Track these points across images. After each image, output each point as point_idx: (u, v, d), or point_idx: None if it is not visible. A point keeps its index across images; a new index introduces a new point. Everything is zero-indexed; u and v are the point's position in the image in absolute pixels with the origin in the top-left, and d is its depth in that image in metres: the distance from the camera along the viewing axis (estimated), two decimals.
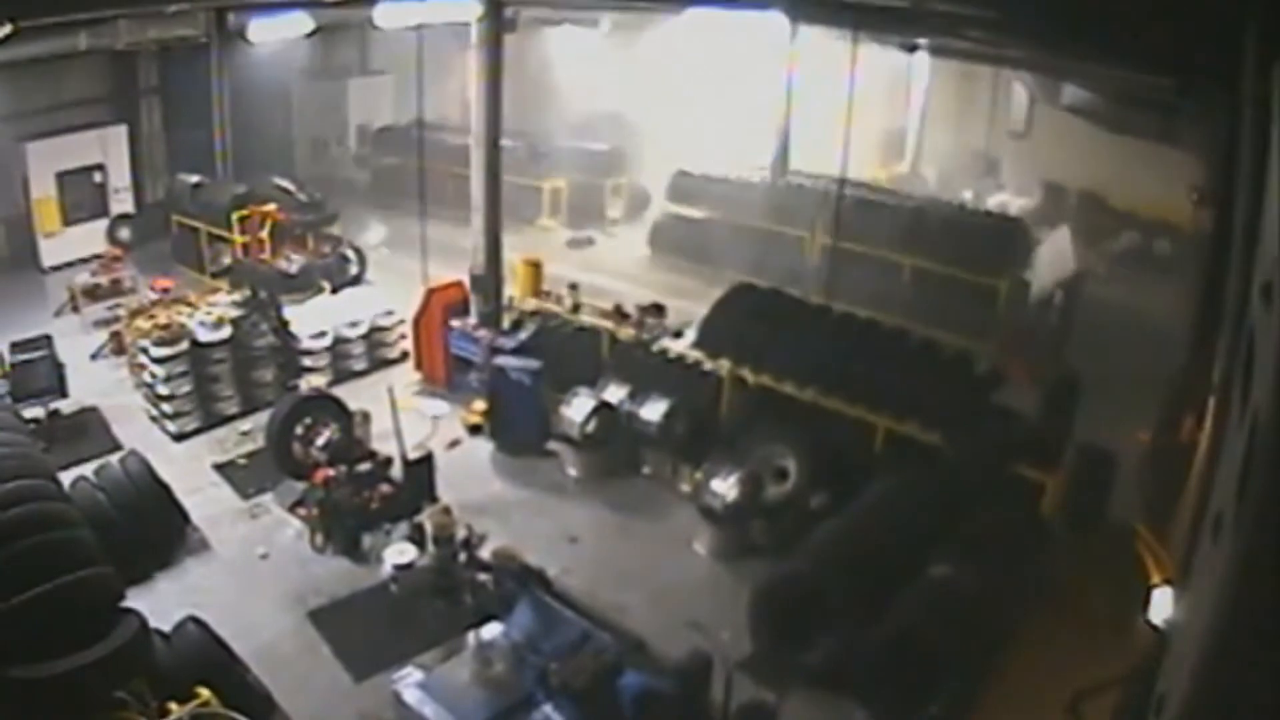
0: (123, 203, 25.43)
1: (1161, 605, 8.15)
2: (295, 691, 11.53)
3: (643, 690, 10.91)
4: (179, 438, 17.39)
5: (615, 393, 16.64)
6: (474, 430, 17.58)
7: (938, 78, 27.56)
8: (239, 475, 16.38)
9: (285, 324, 17.71)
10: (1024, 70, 22.87)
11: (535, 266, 19.46)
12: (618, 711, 10.79)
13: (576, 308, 18.73)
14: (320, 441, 15.68)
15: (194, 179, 24.40)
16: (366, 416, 16.12)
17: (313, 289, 21.36)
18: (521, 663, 11.21)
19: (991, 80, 26.96)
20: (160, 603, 12.09)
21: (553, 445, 16.85)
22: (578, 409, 16.28)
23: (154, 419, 17.70)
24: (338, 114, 31.46)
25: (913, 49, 22.80)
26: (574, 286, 19.01)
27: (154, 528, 14.04)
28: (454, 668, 11.40)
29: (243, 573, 14.11)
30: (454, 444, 17.16)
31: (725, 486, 14.43)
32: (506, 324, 18.64)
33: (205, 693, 9.93)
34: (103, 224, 24.99)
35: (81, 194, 24.65)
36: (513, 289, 19.38)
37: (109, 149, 24.94)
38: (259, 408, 17.65)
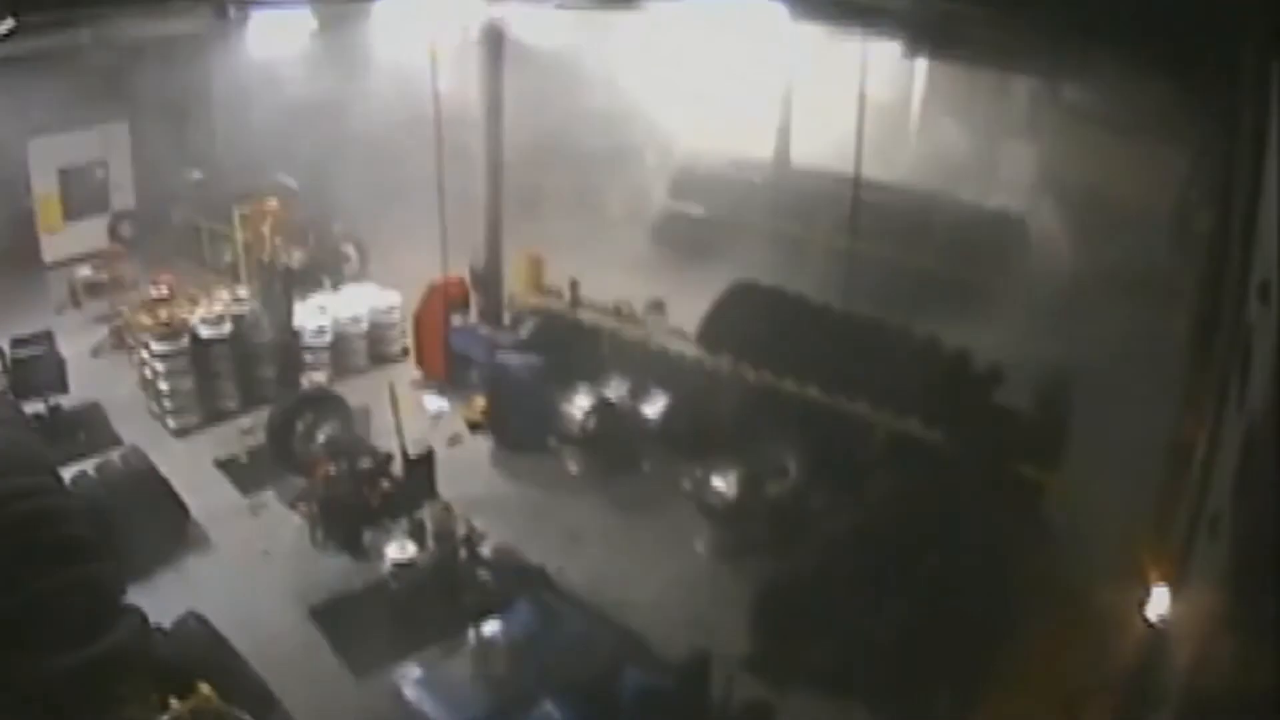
0: (124, 199, 25.41)
1: (1158, 604, 8.16)
2: (295, 687, 11.54)
3: (643, 688, 10.93)
4: (180, 434, 17.42)
5: (616, 389, 16.64)
6: (475, 427, 17.58)
7: (939, 75, 27.45)
8: (240, 471, 16.40)
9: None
10: (1023, 69, 22.78)
11: (536, 263, 19.45)
12: (618, 709, 10.80)
13: (577, 304, 18.72)
14: (321, 438, 15.70)
15: (196, 174, 24.38)
16: (367, 413, 16.13)
17: (314, 285, 21.36)
18: (521, 660, 11.22)
19: (992, 78, 26.83)
20: (161, 599, 12.12)
21: (553, 442, 16.83)
22: (578, 406, 16.29)
23: (155, 415, 17.73)
24: (337, 111, 31.33)
25: (914, 48, 22.72)
26: (575, 283, 19.00)
27: (155, 524, 14.05)
28: (454, 665, 11.43)
29: (243, 569, 14.14)
30: (454, 441, 17.17)
31: (725, 484, 14.44)
32: (508, 320, 18.63)
33: (206, 688, 9.95)
34: (104, 220, 24.98)
35: (83, 190, 24.64)
36: (514, 285, 19.37)
37: (111, 145, 24.93)
38: (260, 404, 17.65)
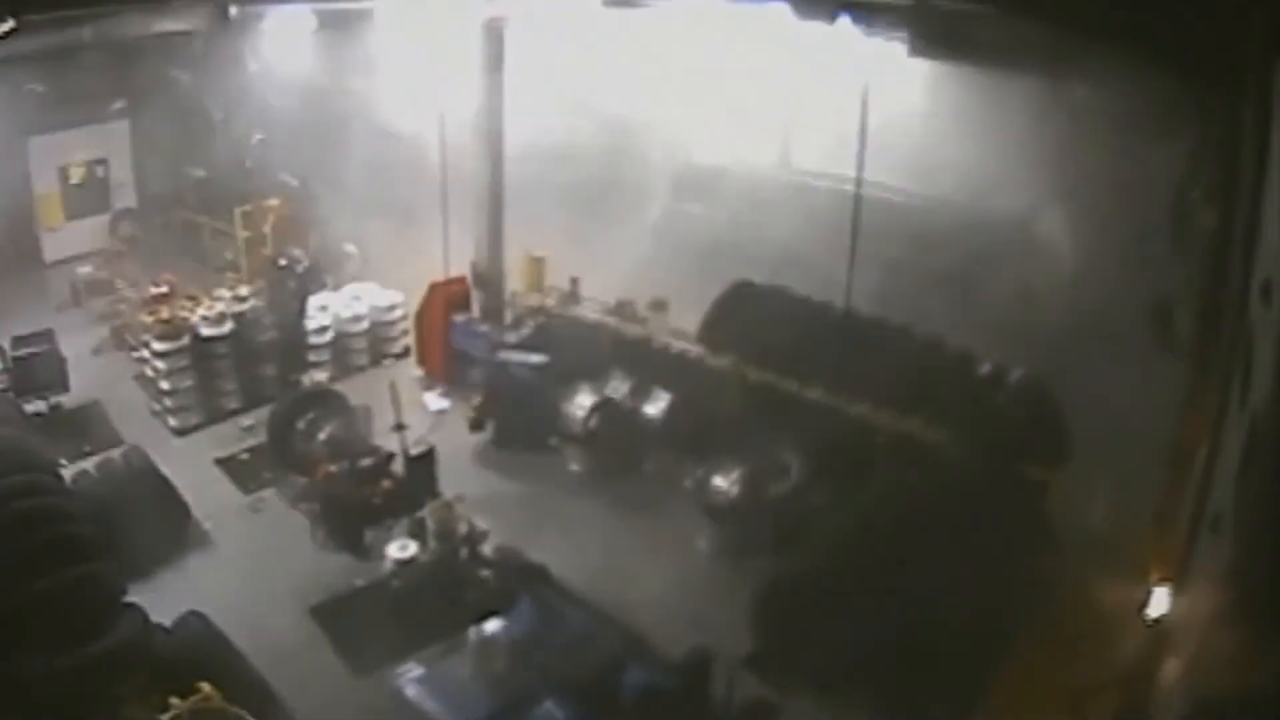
0: (125, 197, 25.39)
1: (1161, 602, 8.16)
2: (296, 686, 11.53)
3: (644, 687, 10.92)
4: (181, 432, 17.42)
5: (617, 388, 16.63)
6: (476, 425, 17.55)
7: (942, 74, 27.38)
8: (241, 470, 16.41)
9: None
10: (1026, 68, 22.73)
11: (538, 261, 19.43)
12: (619, 708, 10.81)
13: (579, 303, 18.68)
14: (322, 436, 15.70)
15: (198, 173, 24.39)
16: (368, 411, 16.13)
17: (315, 284, 21.36)
18: (523, 659, 11.22)
19: (995, 77, 26.76)
20: (162, 597, 12.11)
21: (555, 441, 16.82)
22: (580, 404, 16.28)
23: (156, 414, 17.72)
24: (339, 109, 31.33)
25: (917, 48, 22.68)
26: (576, 281, 18.97)
27: (156, 522, 14.04)
28: (455, 664, 11.43)
29: (244, 567, 14.14)
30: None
31: (727, 483, 14.43)
32: (509, 319, 18.62)
33: (206, 687, 9.95)
34: (105, 218, 24.96)
35: (84, 188, 24.62)
36: (516, 283, 19.34)
37: (112, 143, 24.91)
38: (261, 403, 17.65)
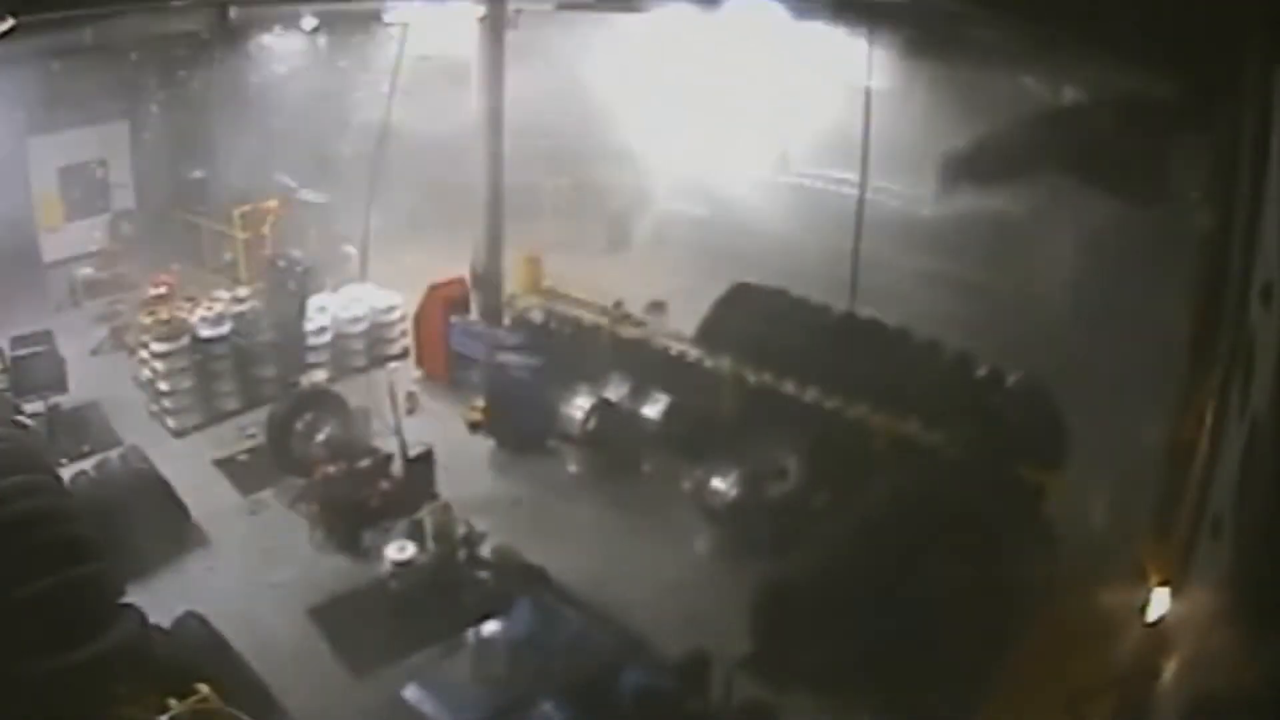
0: (125, 198, 25.37)
1: (1160, 604, 8.15)
2: (295, 687, 11.53)
3: (642, 688, 10.92)
4: (179, 433, 17.40)
5: (616, 390, 16.63)
6: (475, 427, 17.55)
7: (942, 75, 27.36)
8: (239, 471, 16.38)
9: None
10: (1026, 70, 22.73)
11: (536, 263, 19.43)
12: (617, 709, 10.80)
13: (578, 304, 18.67)
14: (320, 438, 15.69)
15: (196, 174, 24.38)
16: (367, 413, 16.11)
17: (314, 285, 21.35)
18: (521, 660, 11.22)
19: (995, 79, 26.75)
20: (160, 598, 12.09)
21: (553, 442, 16.82)
22: (578, 406, 16.28)
23: (154, 414, 17.71)
24: (340, 110, 31.32)
25: (917, 48, 22.68)
26: (576, 283, 18.96)
27: (154, 523, 14.02)
28: (453, 665, 11.42)
29: (243, 568, 14.12)
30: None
31: (725, 485, 14.43)
32: (508, 320, 18.62)
33: (204, 688, 9.93)
34: (104, 219, 24.95)
35: (83, 189, 24.60)
36: (514, 285, 19.34)
37: (111, 144, 24.88)
38: (260, 404, 17.64)
